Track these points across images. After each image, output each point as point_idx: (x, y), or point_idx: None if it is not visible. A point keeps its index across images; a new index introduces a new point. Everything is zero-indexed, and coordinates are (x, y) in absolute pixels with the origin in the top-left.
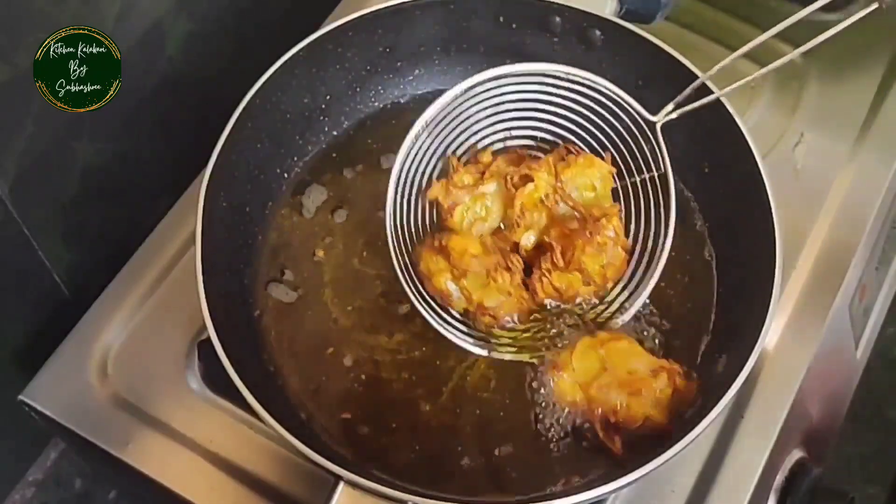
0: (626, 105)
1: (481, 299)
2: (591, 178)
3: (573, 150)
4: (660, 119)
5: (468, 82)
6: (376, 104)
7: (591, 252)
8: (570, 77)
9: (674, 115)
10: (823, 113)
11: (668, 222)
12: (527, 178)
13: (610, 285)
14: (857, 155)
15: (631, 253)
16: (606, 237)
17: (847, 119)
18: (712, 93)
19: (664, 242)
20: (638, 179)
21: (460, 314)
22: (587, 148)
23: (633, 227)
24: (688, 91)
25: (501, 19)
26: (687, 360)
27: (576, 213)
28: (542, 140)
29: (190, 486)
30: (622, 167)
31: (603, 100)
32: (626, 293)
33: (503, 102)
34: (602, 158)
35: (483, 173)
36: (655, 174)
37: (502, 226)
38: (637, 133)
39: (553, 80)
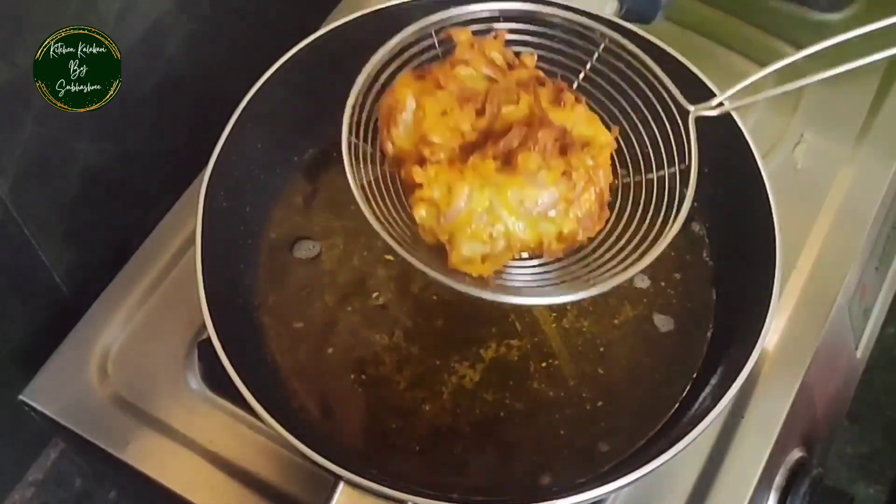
0: (659, 87)
1: (429, 129)
2: (584, 133)
3: (574, 95)
4: (695, 111)
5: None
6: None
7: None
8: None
9: (714, 112)
10: (823, 113)
11: (676, 221)
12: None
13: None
14: (858, 155)
15: (610, 207)
16: (580, 160)
17: (847, 119)
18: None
19: (663, 236)
20: (654, 176)
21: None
22: (601, 109)
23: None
24: (738, 87)
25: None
26: (687, 360)
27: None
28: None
29: (190, 486)
30: (631, 157)
31: (631, 73)
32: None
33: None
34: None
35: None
36: (676, 169)
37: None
38: (665, 122)
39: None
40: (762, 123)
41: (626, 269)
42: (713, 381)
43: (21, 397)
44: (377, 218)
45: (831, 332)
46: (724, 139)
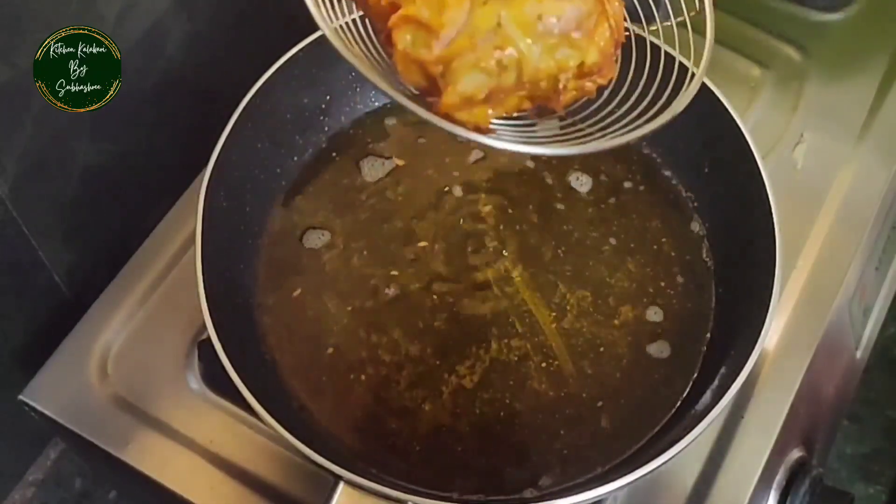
0: None
1: None
2: None
3: None
4: None
5: None
6: (376, 103)
7: None
8: None
9: None
10: (824, 113)
11: (696, 76)
12: None
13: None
14: (858, 155)
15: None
16: None
17: (847, 119)
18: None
19: (682, 92)
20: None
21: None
22: None
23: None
24: None
25: None
26: (687, 360)
27: None
28: None
29: (190, 486)
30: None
31: None
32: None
33: None
34: None
35: None
36: (685, 18)
37: None
38: None
39: None
40: (762, 123)
41: (639, 126)
42: (713, 380)
43: (21, 397)
44: (350, 52)
45: (831, 331)
46: (724, 139)
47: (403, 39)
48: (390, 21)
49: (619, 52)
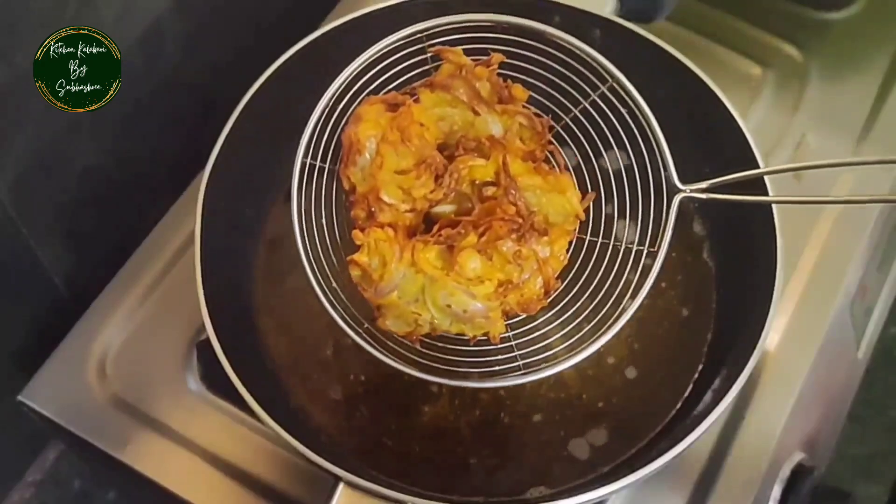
0: (657, 155)
1: (383, 183)
2: (552, 205)
3: (551, 154)
4: (687, 190)
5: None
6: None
7: (503, 252)
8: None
9: (702, 196)
10: (825, 113)
11: (630, 306)
12: (480, 150)
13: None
14: (859, 154)
15: (546, 294)
16: (532, 252)
17: (848, 119)
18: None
19: (615, 320)
20: (620, 246)
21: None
22: (571, 167)
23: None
24: (736, 177)
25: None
26: (688, 361)
27: (518, 214)
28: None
29: (189, 486)
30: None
31: (630, 121)
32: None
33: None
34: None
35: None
36: (644, 249)
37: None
38: (652, 196)
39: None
40: (764, 124)
41: (569, 356)
42: (714, 381)
43: (20, 398)
44: (306, 252)
45: (832, 332)
46: (725, 139)
47: (355, 275)
48: (348, 259)
49: (553, 285)
